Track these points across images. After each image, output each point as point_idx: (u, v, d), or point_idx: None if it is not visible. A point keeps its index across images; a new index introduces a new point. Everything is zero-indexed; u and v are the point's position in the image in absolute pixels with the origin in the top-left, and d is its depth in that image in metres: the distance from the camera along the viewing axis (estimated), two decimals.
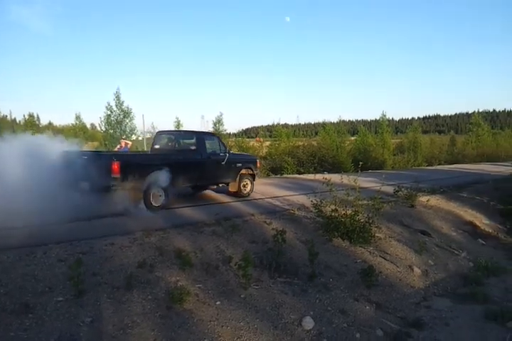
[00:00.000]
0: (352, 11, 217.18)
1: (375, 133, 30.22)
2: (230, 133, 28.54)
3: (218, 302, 4.79)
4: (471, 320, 5.56)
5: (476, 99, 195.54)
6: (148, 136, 21.88)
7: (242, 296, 5.05)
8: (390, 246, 7.67)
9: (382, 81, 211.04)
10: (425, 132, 68.83)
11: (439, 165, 26.87)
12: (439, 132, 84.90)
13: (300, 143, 24.19)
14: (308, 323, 4.77)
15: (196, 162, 9.16)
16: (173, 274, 5.10)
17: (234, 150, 16.15)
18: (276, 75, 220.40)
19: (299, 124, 78.53)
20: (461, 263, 7.96)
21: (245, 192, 10.26)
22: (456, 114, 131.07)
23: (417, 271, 7.01)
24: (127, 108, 17.90)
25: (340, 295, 5.67)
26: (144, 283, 4.76)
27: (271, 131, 35.65)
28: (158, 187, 8.04)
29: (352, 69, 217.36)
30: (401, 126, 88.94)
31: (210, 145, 9.72)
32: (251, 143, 23.19)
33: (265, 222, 7.42)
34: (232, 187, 10.15)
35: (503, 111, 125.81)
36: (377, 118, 30.82)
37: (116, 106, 17.89)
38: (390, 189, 10.92)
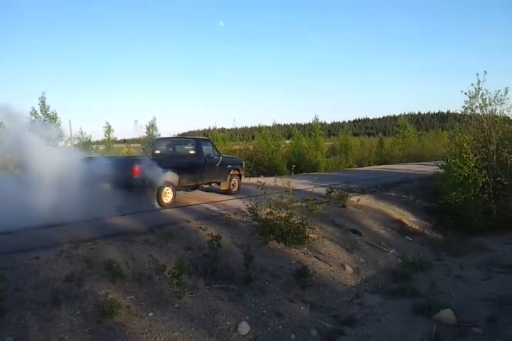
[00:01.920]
0: (282, 15, 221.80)
1: (309, 136, 30.94)
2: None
3: (151, 314, 4.66)
4: (400, 314, 5.82)
5: (402, 103, 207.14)
6: (76, 142, 20.88)
7: (176, 305, 4.95)
8: (324, 246, 7.88)
9: (314, 85, 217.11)
10: (356, 135, 71.65)
11: (368, 166, 28.08)
12: (369, 134, 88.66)
13: (236, 147, 24.27)
14: (244, 328, 4.77)
15: (196, 164, 10.44)
16: (103, 287, 4.89)
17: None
18: (213, 79, 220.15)
19: (236, 128, 78.83)
20: (390, 260, 8.34)
21: (234, 190, 11.55)
22: (384, 116, 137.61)
23: (348, 269, 7.26)
24: (53, 113, 16.93)
25: (275, 298, 5.73)
26: (71, 298, 4.52)
27: (208, 136, 35.47)
28: (168, 186, 9.32)
29: (285, 73, 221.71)
30: (333, 129, 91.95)
31: (206, 149, 10.94)
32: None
33: (201, 227, 7.34)
34: (224, 186, 11.44)
35: (428, 113, 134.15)
36: (311, 121, 31.74)
37: (41, 111, 16.88)
38: (323, 190, 11.24)
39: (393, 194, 13.25)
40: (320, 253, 7.56)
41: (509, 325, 5.27)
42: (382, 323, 5.52)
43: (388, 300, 6.35)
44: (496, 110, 12.23)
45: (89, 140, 22.07)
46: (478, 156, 11.70)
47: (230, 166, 11.52)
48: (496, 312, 5.82)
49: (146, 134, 22.71)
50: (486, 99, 12.08)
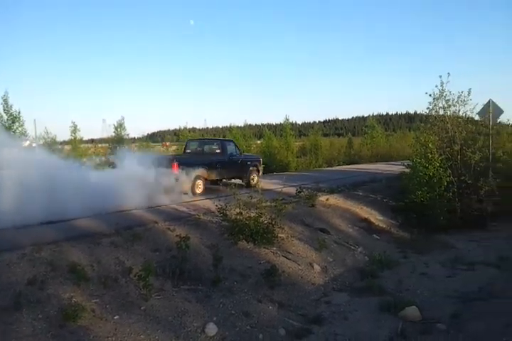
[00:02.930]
0: (255, 15, 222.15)
1: (280, 136, 31.11)
2: (134, 138, 27.56)
3: (117, 317, 4.57)
4: (367, 312, 5.91)
5: (371, 104, 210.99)
6: (41, 142, 20.34)
7: (142, 308, 4.87)
8: (293, 246, 7.92)
9: (285, 85, 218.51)
10: (326, 135, 72.45)
11: (338, 165, 28.39)
12: (338, 135, 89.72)
13: None
14: (212, 329, 4.74)
15: (222, 161, 12.31)
16: (67, 290, 4.77)
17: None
18: (184, 79, 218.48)
19: (207, 128, 78.39)
20: (357, 258, 8.46)
21: (253, 183, 13.00)
22: (353, 117, 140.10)
23: (317, 267, 7.32)
24: (16, 112, 16.38)
25: (244, 298, 5.72)
26: (34, 302, 4.41)
27: (178, 136, 35.09)
28: (199, 179, 11.20)
29: (257, 73, 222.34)
30: (304, 129, 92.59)
31: (229, 148, 12.90)
32: (156, 148, 22.69)
33: (169, 228, 7.25)
34: (245, 180, 13.13)
35: (395, 114, 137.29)
36: (282, 122, 31.89)
37: (4, 110, 16.32)
38: (292, 190, 11.31)
39: (361, 193, 13.45)
40: (289, 252, 7.59)
41: (472, 321, 5.43)
42: (349, 321, 5.59)
43: (355, 298, 6.43)
44: (459, 111, 12.60)
45: (55, 140, 21.54)
46: (443, 156, 12.01)
47: (249, 163, 13.48)
48: (459, 309, 6.00)
49: (114, 134, 22.33)
50: (449, 100, 12.41)
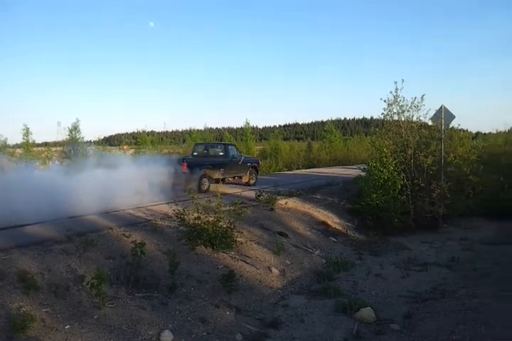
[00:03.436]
0: (213, 18, 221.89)
1: (241, 140, 31.15)
2: (90, 141, 26.76)
3: (68, 326, 4.41)
4: (323, 314, 5.98)
5: (330, 109, 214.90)
6: None
7: (95, 317, 4.72)
8: (251, 250, 7.92)
9: (246, 89, 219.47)
10: (286, 139, 73.25)
11: (297, 169, 28.70)
12: (298, 139, 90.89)
13: (166, 151, 23.89)
14: (167, 337, 4.64)
15: (224, 162, 13.93)
16: (16, 299, 4.57)
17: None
18: (143, 81, 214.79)
19: (167, 132, 77.44)
20: (315, 261, 8.56)
21: (252, 182, 15.17)
22: (312, 122, 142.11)
23: (275, 271, 7.35)
24: None
25: (201, 304, 5.66)
26: None
27: (136, 139, 34.43)
28: (205, 178, 12.56)
29: (217, 77, 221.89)
30: (264, 133, 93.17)
31: (231, 151, 14.61)
32: (113, 151, 22.17)
33: (124, 234, 7.07)
34: (245, 179, 15.01)
35: (353, 119, 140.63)
36: (243, 126, 31.97)
37: None
38: (252, 194, 11.36)
39: (319, 196, 13.63)
40: (247, 256, 7.59)
41: (424, 320, 5.60)
42: (305, 324, 5.63)
43: (312, 300, 6.49)
44: (412, 116, 12.99)
45: (5, 143, 20.70)
46: (397, 160, 12.37)
47: (249, 164, 15.23)
48: (412, 308, 6.18)
49: (68, 137, 21.65)
50: (403, 105, 12.79)
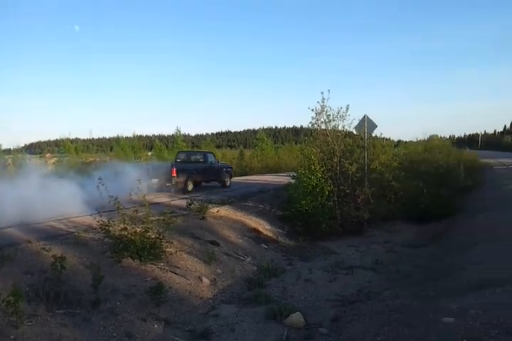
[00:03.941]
0: (140, 23, 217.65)
1: (172, 148, 30.65)
2: (10, 149, 24.87)
3: None
4: (254, 322, 5.96)
5: (262, 117, 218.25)
6: None
7: (12, 337, 4.35)
8: (181, 260, 7.76)
9: (178, 97, 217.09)
10: (218, 147, 72.98)
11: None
12: (231, 147, 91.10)
13: (91, 159, 22.91)
14: None
15: (205, 168, 16.38)
16: None
17: None
18: (69, 86, 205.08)
19: (93, 139, 74.14)
20: (246, 268, 8.55)
21: (227, 184, 17.71)
22: (244, 130, 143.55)
23: (205, 281, 7.25)
24: None
25: (127, 319, 5.43)
26: None
27: (59, 146, 32.66)
28: (189, 181, 14.98)
29: (147, 83, 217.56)
30: (197, 141, 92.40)
31: (210, 158, 17.11)
32: (33, 161, 20.86)
33: (44, 248, 6.65)
34: (220, 182, 17.48)
35: (284, 127, 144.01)
36: (174, 133, 31.44)
37: None
38: (183, 202, 11.19)
39: (251, 204, 13.71)
40: (177, 267, 7.42)
41: (351, 323, 5.74)
42: (236, 333, 5.59)
43: (243, 308, 6.46)
44: (338, 125, 13.46)
45: None
46: (325, 167, 12.75)
47: (224, 169, 17.76)
48: (339, 312, 6.33)
49: None
50: (330, 115, 13.23)
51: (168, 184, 14.27)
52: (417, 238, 12.12)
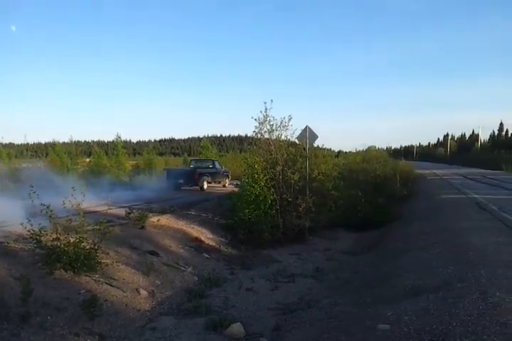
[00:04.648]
0: (87, 28, 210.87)
1: (112, 154, 29.71)
2: None
3: None
4: (193, 333, 5.82)
5: (207, 125, 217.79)
6: None
7: None
8: (118, 271, 7.44)
9: (119, 102, 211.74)
10: (161, 154, 72.00)
11: None
12: (174, 154, 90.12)
13: (24, 165, 21.73)
14: None
15: (214, 172, 21.35)
16: None
17: None
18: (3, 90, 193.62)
19: (28, 144, 70.42)
20: (187, 279, 8.36)
21: (226, 185, 22.42)
22: (189, 137, 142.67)
23: (143, 293, 6.99)
24: None
25: (59, 333, 5.12)
26: None
27: None
28: (205, 181, 20.00)
29: (86, 88, 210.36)
30: (139, 147, 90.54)
31: (217, 165, 22.45)
32: None
33: None
34: (223, 183, 22.42)
35: (228, 136, 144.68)
36: (114, 139, 30.52)
37: None
38: (122, 211, 10.83)
39: (194, 212, 13.51)
40: (114, 279, 7.10)
41: (291, 332, 5.75)
42: None
43: (182, 320, 6.29)
44: (281, 135, 13.68)
45: None
46: (268, 176, 12.84)
47: (225, 173, 23.01)
48: (280, 320, 6.34)
49: None
50: (273, 125, 13.40)
51: (190, 184, 19.62)
52: (357, 245, 12.45)
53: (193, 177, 19.41)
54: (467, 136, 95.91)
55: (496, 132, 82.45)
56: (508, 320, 4.03)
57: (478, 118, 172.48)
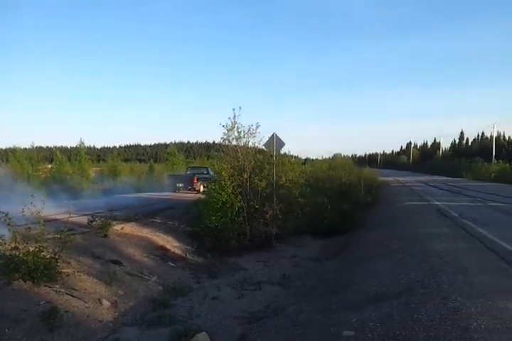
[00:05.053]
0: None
1: (75, 160, 29.06)
2: None
3: None
4: None
5: (174, 132, 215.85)
6: None
7: None
8: (79, 281, 7.21)
9: (81, 108, 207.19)
10: (127, 160, 70.78)
11: (138, 192, 27.79)
12: (140, 161, 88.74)
13: None
14: None
15: (208, 177, 20.97)
16: None
17: None
18: None
19: None
20: (151, 288, 8.18)
21: None
22: (155, 144, 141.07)
23: (106, 303, 6.79)
24: None
25: None
26: None
27: None
28: (201, 185, 22.65)
29: (48, 94, 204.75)
30: (103, 154, 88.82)
31: (210, 172, 22.14)
32: None
33: None
34: None
35: (196, 142, 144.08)
36: (77, 145, 29.90)
37: None
38: (85, 219, 10.56)
39: (159, 220, 13.32)
40: (75, 289, 6.87)
41: (256, 340, 5.73)
42: None
43: (146, 331, 6.14)
44: (249, 142, 13.71)
45: None
46: (235, 183, 12.81)
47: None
48: (246, 329, 6.30)
49: None
50: (240, 131, 13.42)
51: (189, 187, 23.26)
52: (323, 252, 12.57)
53: (191, 182, 23.36)
54: (429, 144, 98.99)
55: (457, 141, 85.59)
56: (468, 324, 4.15)
57: (440, 128, 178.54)
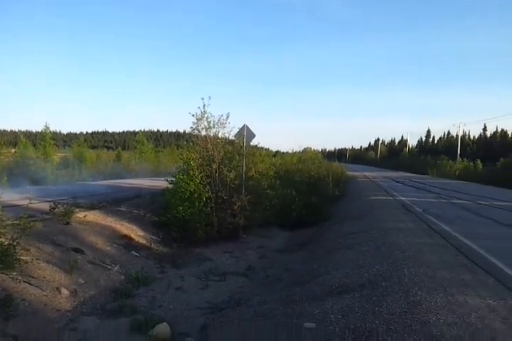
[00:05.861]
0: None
1: (40, 145, 28.18)
2: None
3: None
4: (117, 334, 5.61)
5: (143, 119, 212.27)
6: None
7: None
8: (38, 269, 6.98)
9: (47, 90, 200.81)
10: (94, 147, 69.25)
11: (104, 180, 27.27)
12: (108, 148, 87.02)
13: None
14: None
15: None
16: None
17: None
18: None
19: None
20: (113, 278, 8.02)
21: None
22: (124, 131, 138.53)
23: (65, 292, 6.61)
24: None
25: None
26: None
27: None
28: None
29: (18, 72, 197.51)
30: (69, 139, 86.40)
31: None
32: None
33: None
34: None
35: (166, 131, 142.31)
36: (42, 130, 29.00)
37: None
38: (46, 206, 10.25)
39: (124, 209, 13.05)
40: (33, 277, 6.65)
41: (218, 331, 5.70)
42: None
43: (106, 320, 6.01)
44: (219, 132, 13.53)
45: None
46: (203, 173, 12.65)
47: None
48: (208, 320, 6.26)
49: None
50: (210, 121, 13.23)
51: None
52: (289, 243, 12.64)
53: None
54: (397, 141, 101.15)
55: (424, 138, 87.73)
56: (428, 318, 4.23)
57: (407, 125, 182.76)
